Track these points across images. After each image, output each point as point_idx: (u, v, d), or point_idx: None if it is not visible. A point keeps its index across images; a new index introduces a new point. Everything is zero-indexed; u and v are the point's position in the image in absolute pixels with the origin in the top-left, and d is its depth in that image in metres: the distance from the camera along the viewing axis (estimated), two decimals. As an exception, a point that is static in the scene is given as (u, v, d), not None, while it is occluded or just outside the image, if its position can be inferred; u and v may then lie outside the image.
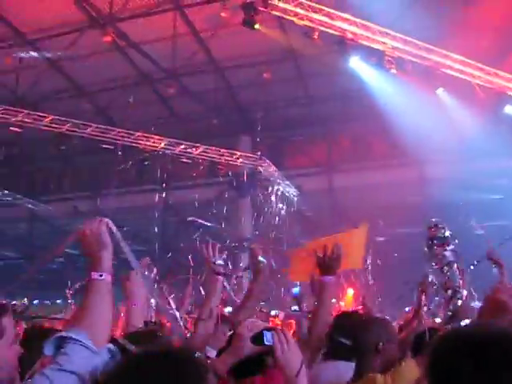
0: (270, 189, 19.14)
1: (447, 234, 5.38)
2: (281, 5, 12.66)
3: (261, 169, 18.92)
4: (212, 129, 19.63)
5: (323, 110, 19.06)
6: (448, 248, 5.30)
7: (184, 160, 18.33)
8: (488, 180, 15.09)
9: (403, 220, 14.92)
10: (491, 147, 14.97)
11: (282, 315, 10.37)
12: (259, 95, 18.75)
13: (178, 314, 5.41)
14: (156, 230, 20.11)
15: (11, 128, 16.57)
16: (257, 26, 12.98)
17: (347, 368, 3.56)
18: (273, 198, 18.94)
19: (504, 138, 15.14)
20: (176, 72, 17.47)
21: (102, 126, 17.36)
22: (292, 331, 9.63)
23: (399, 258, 14.29)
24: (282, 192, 19.26)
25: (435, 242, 5.36)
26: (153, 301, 4.71)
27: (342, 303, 14.37)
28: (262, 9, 12.72)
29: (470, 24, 12.80)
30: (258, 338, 2.69)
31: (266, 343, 2.55)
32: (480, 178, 14.91)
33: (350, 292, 18.22)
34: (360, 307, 9.59)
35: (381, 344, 3.43)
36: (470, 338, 1.82)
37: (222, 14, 15.11)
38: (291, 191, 19.57)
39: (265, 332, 2.59)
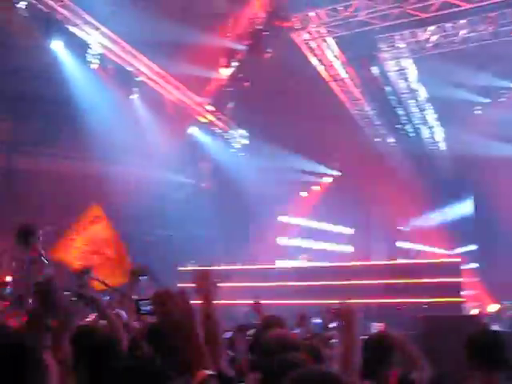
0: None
1: None
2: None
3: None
4: None
5: (11, 85, 17.63)
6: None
7: None
8: (166, 191, 15.78)
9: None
10: (173, 160, 15.74)
11: None
12: None
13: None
14: None
15: None
16: None
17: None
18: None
19: (186, 154, 16.12)
20: None
21: None
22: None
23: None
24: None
25: None
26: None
27: None
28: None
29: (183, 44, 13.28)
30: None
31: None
32: (158, 187, 15.51)
33: None
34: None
35: None
36: None
37: None
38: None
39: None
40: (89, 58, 14.36)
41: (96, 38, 13.90)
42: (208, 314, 2.76)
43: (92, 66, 14.45)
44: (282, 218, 22.35)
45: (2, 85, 17.08)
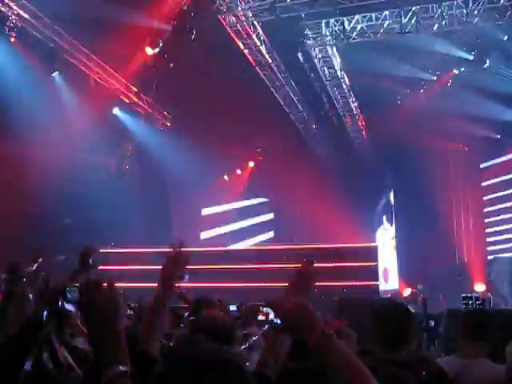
0: None
1: None
2: None
3: None
4: None
5: None
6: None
7: None
8: (86, 173, 15.38)
9: None
10: (95, 142, 15.35)
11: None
12: None
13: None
14: None
15: None
16: None
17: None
18: None
19: (108, 136, 15.74)
20: None
21: None
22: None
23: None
24: None
25: None
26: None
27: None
28: None
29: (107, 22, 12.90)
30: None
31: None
32: (78, 169, 15.10)
33: None
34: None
35: None
36: None
37: None
38: None
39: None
40: (8, 30, 13.70)
41: (15, 10, 13.28)
42: (163, 300, 2.71)
43: (11, 39, 13.82)
44: (206, 211, 22.46)
45: None
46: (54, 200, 14.55)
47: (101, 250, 14.25)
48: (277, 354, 2.76)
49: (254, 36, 14.99)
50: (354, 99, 18.96)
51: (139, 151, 18.18)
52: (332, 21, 14.87)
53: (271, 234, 24.17)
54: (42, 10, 13.36)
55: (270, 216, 24.64)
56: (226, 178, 22.88)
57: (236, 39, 14.99)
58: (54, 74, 15.05)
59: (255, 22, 14.72)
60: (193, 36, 14.61)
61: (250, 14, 14.41)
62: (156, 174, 18.31)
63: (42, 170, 13.67)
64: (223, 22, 14.39)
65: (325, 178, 20.80)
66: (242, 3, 14.01)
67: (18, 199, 14.09)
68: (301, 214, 24.27)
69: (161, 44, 15.24)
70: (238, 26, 14.62)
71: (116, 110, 16.88)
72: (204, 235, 22.21)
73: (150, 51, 15.21)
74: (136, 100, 16.74)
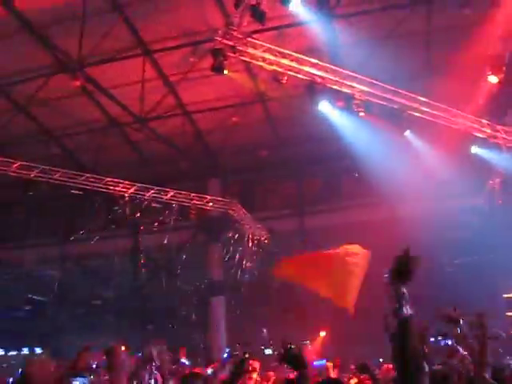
0: (240, 232, 19.07)
1: None
2: (250, 51, 12.77)
3: (231, 212, 18.83)
4: (180, 172, 19.56)
5: (292, 152, 19.19)
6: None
7: (154, 205, 18.16)
8: (457, 218, 15.28)
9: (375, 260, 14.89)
10: (459, 186, 15.20)
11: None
12: (227, 138, 18.81)
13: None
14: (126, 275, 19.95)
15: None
16: (225, 72, 13.05)
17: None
18: (244, 241, 18.89)
19: (471, 176, 15.43)
20: (144, 116, 17.42)
21: (71, 172, 16.99)
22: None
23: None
24: (253, 234, 19.18)
25: None
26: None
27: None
28: (230, 54, 12.82)
29: (433, 66, 13.08)
30: None
31: None
32: (450, 216, 15.10)
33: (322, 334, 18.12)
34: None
35: None
36: None
37: (191, 59, 15.36)
38: (262, 233, 19.49)
39: None
40: (355, 107, 14.79)
41: (356, 87, 14.32)
42: None
43: (360, 114, 14.86)
44: None
45: (285, 152, 18.72)
46: (435, 250, 14.67)
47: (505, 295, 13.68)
48: None
49: None
50: None
51: (507, 183, 17.24)
52: None
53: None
54: (377, 77, 14.10)
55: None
56: None
57: None
58: (405, 133, 15.56)
59: None
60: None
61: None
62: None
63: (413, 225, 14.05)
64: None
65: None
66: None
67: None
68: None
69: (503, 68, 14.57)
70: None
71: (474, 149, 16.46)
72: None
73: (493, 79, 14.65)
74: (491, 132, 16.09)
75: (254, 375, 8.56)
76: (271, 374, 9.95)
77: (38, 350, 19.66)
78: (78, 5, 13.42)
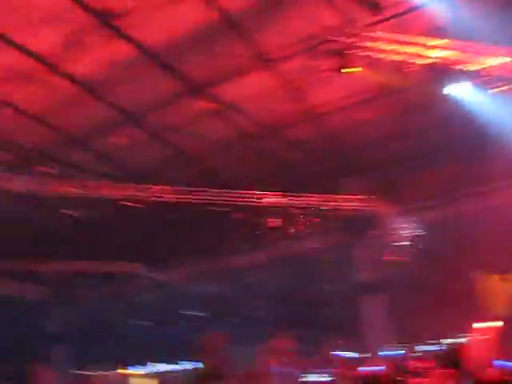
0: (388, 228, 18.70)
1: None
2: (370, 44, 12.43)
3: (374, 209, 18.49)
4: (317, 176, 19.55)
5: (428, 140, 18.52)
6: None
7: (296, 211, 18.29)
8: None
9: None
10: None
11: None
12: (360, 136, 18.53)
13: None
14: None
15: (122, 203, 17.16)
16: (349, 70, 12.84)
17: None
18: (393, 237, 18.50)
19: None
20: (275, 125, 17.58)
21: (213, 190, 17.43)
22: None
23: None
24: (402, 229, 18.73)
25: None
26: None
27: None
28: (351, 51, 12.58)
29: None
30: None
31: None
32: None
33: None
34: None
35: None
36: None
37: (312, 62, 15.26)
38: (411, 227, 18.95)
39: None
40: (488, 84, 13.92)
41: (490, 62, 13.44)
42: None
43: (495, 90, 13.97)
44: None
45: (420, 142, 18.10)
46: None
47: None
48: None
49: None
50: None
51: None
52: None
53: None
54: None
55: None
56: None
57: None
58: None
59: None
60: None
61: None
62: None
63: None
64: None
65: None
66: None
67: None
68: None
69: None
70: None
71: None
72: None
73: None
74: None
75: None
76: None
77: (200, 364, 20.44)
78: (200, 29, 13.71)
